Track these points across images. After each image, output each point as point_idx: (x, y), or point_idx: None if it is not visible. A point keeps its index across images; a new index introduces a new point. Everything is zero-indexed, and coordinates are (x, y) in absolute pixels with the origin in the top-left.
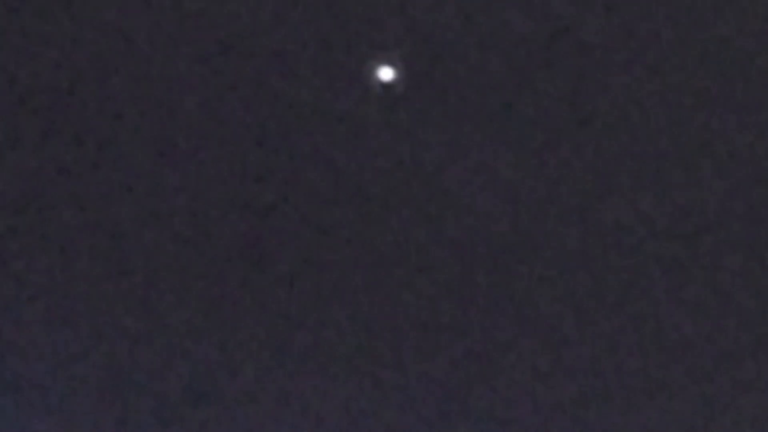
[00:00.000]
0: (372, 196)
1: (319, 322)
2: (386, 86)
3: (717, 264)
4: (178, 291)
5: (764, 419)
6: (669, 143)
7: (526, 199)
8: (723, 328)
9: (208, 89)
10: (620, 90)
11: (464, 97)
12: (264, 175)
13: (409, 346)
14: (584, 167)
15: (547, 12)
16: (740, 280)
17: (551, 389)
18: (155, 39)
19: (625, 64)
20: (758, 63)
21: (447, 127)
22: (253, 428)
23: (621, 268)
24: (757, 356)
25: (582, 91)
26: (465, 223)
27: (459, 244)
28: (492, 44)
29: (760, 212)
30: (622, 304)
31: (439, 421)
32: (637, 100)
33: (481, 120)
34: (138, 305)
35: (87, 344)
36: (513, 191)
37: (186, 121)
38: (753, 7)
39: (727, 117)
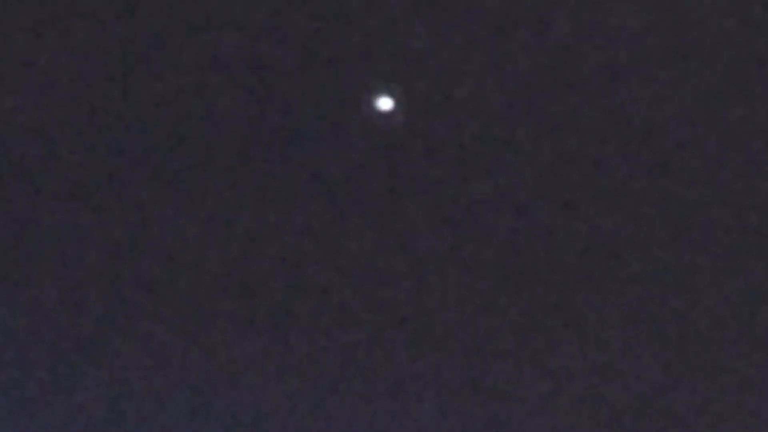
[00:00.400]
0: (370, 224)
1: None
2: (385, 116)
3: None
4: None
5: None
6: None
7: (524, 229)
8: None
9: (203, 117)
10: (624, 120)
11: (463, 128)
12: (259, 201)
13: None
14: (588, 209)
15: (548, 43)
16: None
17: (552, 393)
18: (150, 74)
19: (628, 97)
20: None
21: (445, 158)
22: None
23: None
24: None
25: (583, 123)
26: (463, 252)
27: (458, 275)
28: (492, 75)
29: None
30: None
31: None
32: (637, 148)
33: (481, 151)
34: (133, 311)
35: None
36: (512, 221)
37: (184, 151)
38: None
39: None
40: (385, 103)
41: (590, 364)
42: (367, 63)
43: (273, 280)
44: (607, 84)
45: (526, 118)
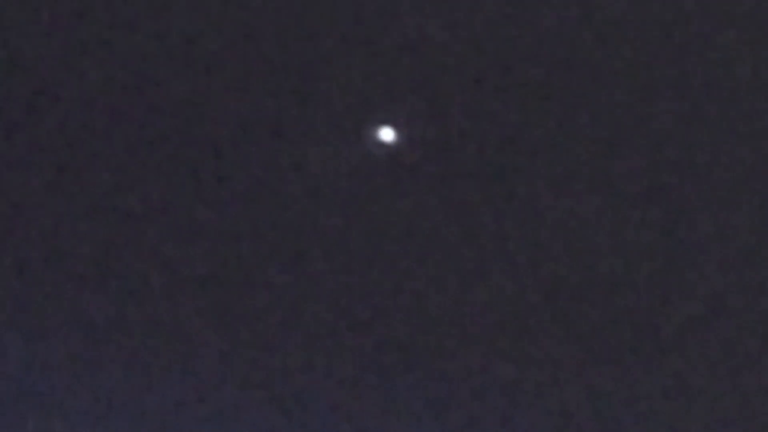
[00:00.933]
0: (371, 256)
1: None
2: (387, 147)
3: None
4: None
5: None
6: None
7: (527, 262)
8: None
9: (204, 145)
10: (627, 146)
11: (466, 158)
12: (259, 232)
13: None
14: (589, 234)
15: (550, 72)
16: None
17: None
18: (148, 101)
19: (631, 121)
20: None
21: (448, 188)
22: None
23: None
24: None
25: (589, 148)
26: (465, 284)
27: (460, 306)
28: (495, 105)
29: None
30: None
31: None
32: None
33: (484, 182)
34: (132, 310)
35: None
36: (514, 253)
37: (183, 186)
38: None
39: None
40: (387, 134)
41: (597, 373)
42: (370, 93)
43: (275, 313)
44: (605, 129)
45: (532, 150)
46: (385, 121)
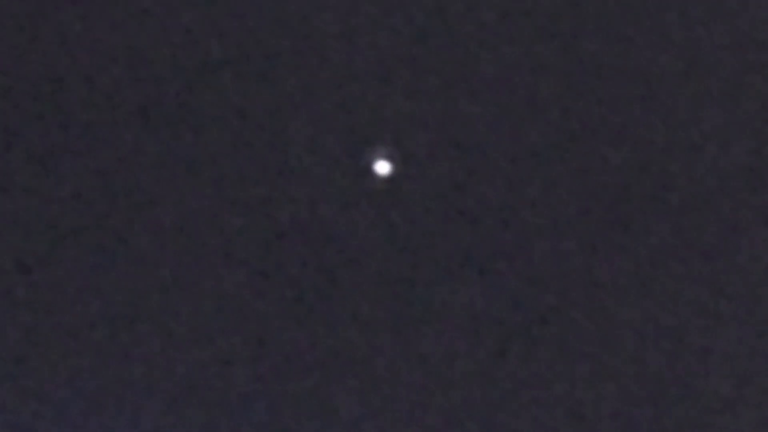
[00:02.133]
0: (365, 291)
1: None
2: (383, 180)
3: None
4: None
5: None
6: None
7: (529, 301)
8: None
9: (200, 187)
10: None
11: (461, 192)
12: (256, 268)
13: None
14: (587, 259)
15: (548, 109)
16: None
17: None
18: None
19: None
20: None
21: (442, 223)
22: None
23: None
24: None
25: (588, 189)
26: (457, 325)
27: (455, 343)
28: (491, 142)
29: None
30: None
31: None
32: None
33: (479, 221)
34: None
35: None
36: (511, 295)
37: (178, 214)
38: None
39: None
40: (382, 168)
41: (599, 376)
42: (366, 126)
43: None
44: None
45: (528, 188)
46: (382, 155)
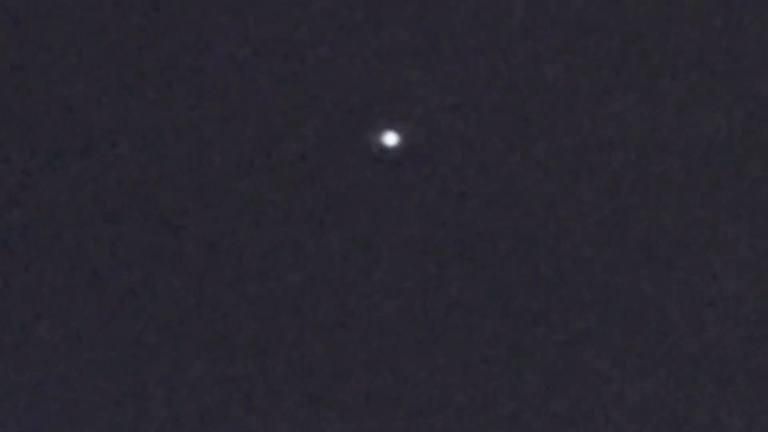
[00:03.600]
0: (372, 262)
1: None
2: (390, 151)
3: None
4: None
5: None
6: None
7: (528, 270)
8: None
9: (209, 154)
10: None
11: (465, 164)
12: (263, 240)
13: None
14: (590, 251)
15: (547, 88)
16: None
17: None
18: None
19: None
20: None
21: (447, 192)
22: None
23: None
24: None
25: (580, 188)
26: (469, 285)
27: (462, 306)
28: (494, 116)
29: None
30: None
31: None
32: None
33: (482, 187)
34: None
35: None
36: (512, 258)
37: (187, 193)
38: None
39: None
40: (390, 139)
41: (603, 378)
42: (373, 99)
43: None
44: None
45: (528, 160)
46: (388, 126)
